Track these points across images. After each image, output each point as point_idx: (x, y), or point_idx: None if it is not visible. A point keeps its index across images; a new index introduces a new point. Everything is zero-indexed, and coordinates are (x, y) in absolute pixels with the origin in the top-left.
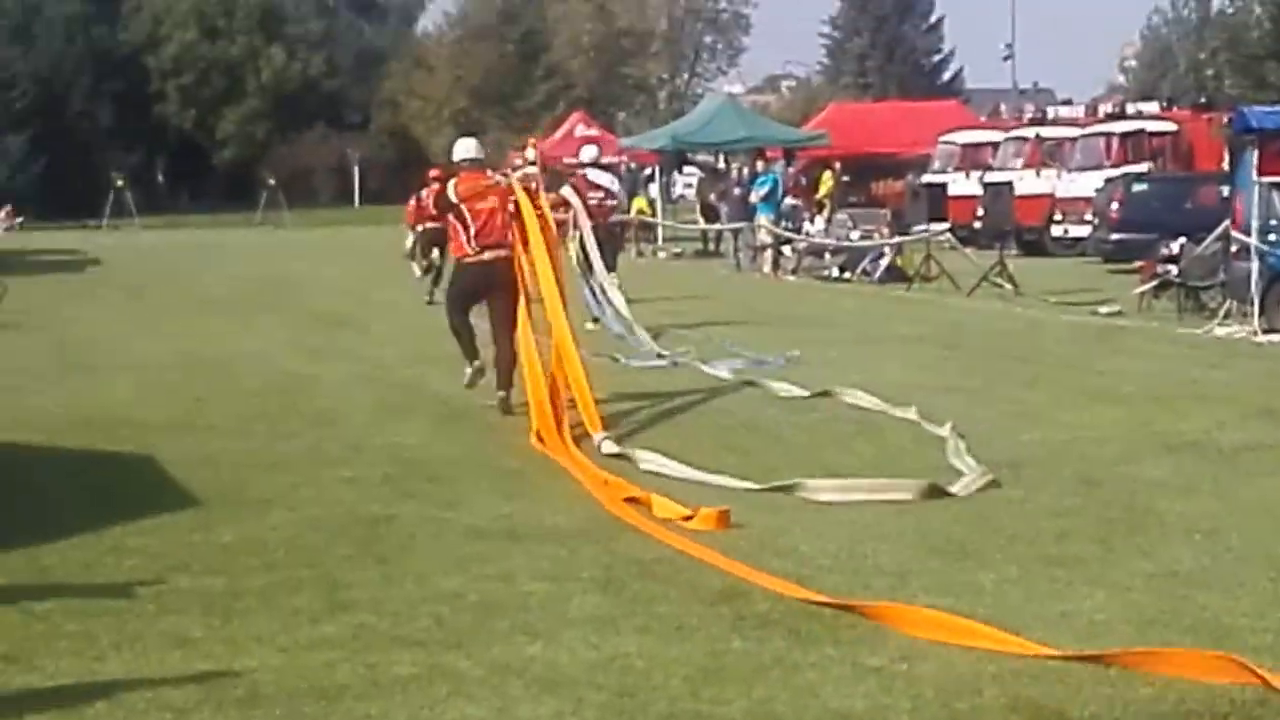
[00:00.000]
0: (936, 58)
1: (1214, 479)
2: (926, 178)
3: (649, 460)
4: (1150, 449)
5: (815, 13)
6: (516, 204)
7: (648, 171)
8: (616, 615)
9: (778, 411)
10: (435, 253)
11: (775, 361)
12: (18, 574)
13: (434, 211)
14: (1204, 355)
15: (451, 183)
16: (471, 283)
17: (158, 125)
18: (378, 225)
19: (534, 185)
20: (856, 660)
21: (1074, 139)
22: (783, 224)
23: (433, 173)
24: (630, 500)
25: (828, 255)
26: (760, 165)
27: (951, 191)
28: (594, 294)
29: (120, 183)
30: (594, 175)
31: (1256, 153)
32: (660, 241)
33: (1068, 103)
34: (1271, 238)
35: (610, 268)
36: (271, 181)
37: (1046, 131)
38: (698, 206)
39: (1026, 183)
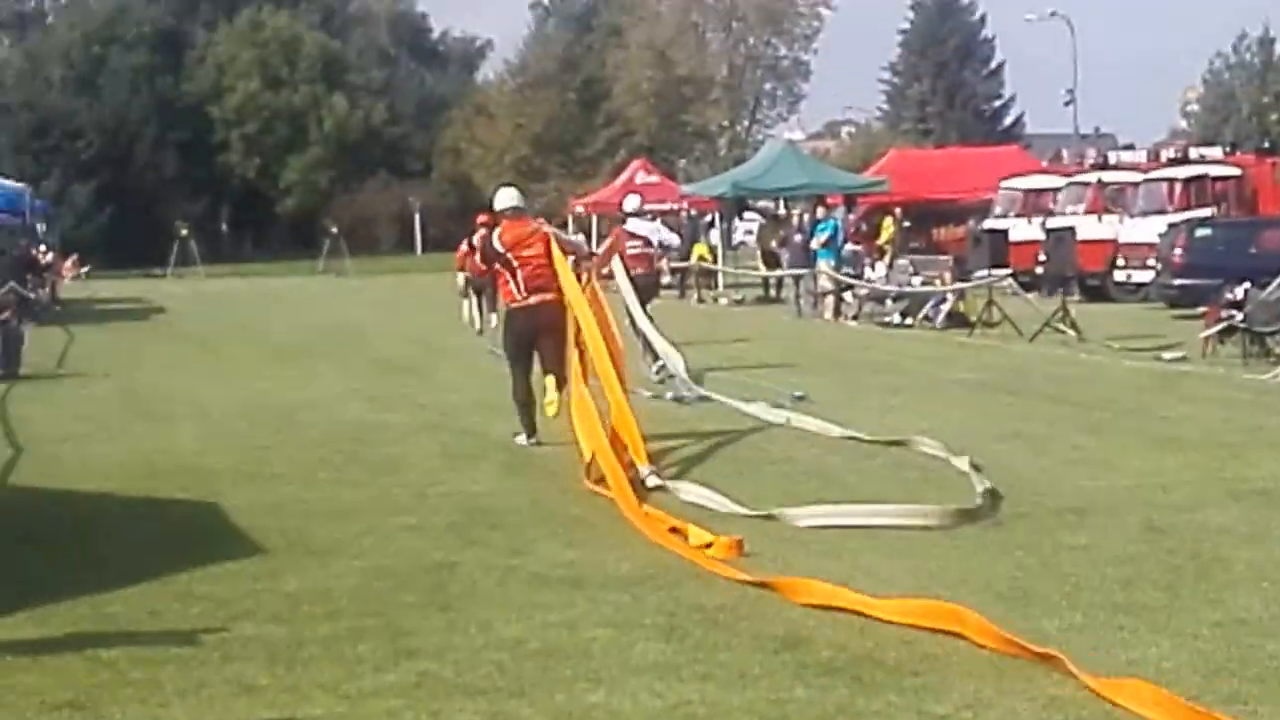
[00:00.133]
0: (997, 103)
1: None
2: (988, 223)
3: (689, 492)
4: (1216, 496)
5: (875, 59)
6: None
7: (708, 218)
8: (679, 662)
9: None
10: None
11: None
12: (84, 621)
13: (481, 263)
14: (1270, 401)
15: (495, 232)
16: (522, 326)
17: (221, 174)
18: (440, 272)
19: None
20: (921, 708)
21: (1137, 184)
22: (844, 270)
23: (480, 219)
24: (672, 530)
25: (889, 301)
26: (821, 211)
27: (1013, 237)
28: (639, 337)
29: (185, 231)
30: (633, 225)
31: None
32: (721, 288)
33: (1130, 148)
34: None
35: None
36: (334, 229)
37: (1109, 177)
38: (759, 253)
39: (1089, 228)
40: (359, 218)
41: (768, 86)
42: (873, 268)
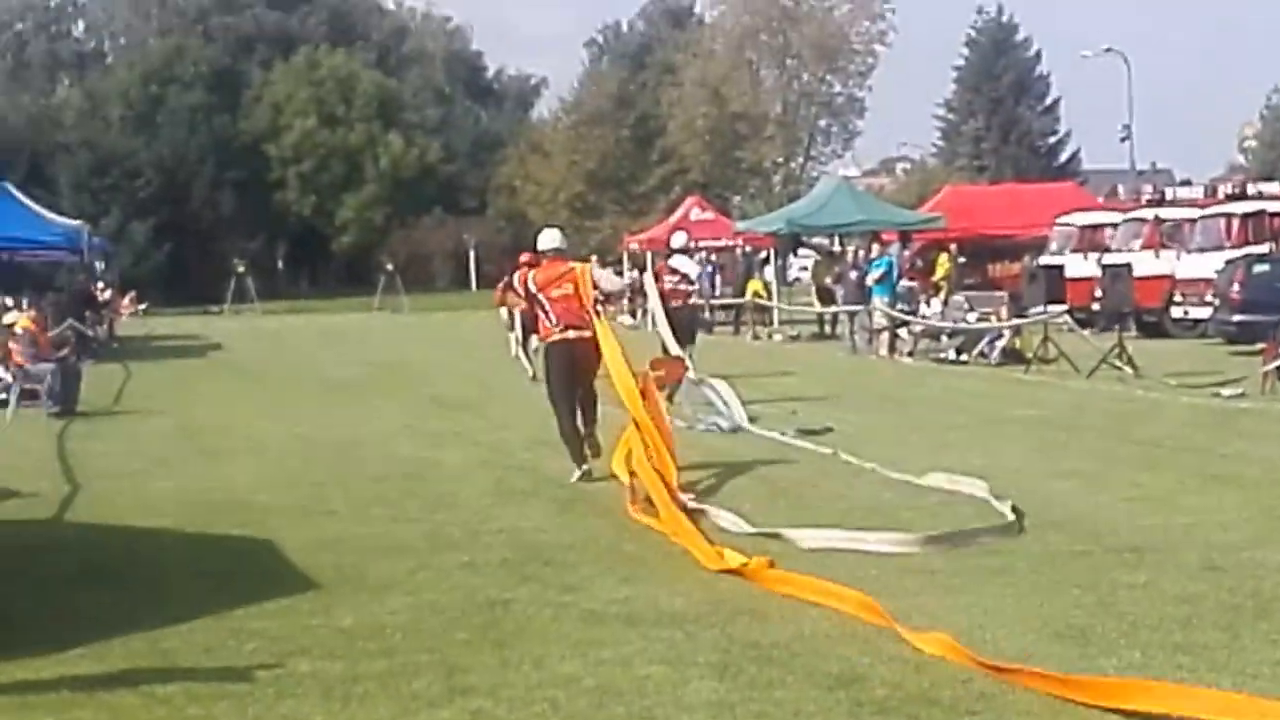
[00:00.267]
0: (1053, 139)
1: None
2: (1044, 259)
3: (726, 518)
4: (1276, 533)
5: (930, 95)
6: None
7: (763, 255)
8: (734, 700)
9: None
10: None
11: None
12: (140, 657)
13: (525, 303)
14: None
15: (532, 273)
16: (559, 361)
17: (278, 212)
18: (494, 309)
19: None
20: None
21: (1194, 220)
22: (899, 306)
23: (523, 258)
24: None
25: (944, 338)
26: (876, 248)
27: (1069, 273)
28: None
29: (241, 269)
30: (676, 261)
31: None
32: (776, 324)
33: (1187, 183)
34: None
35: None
36: (389, 266)
37: (1165, 212)
38: (813, 289)
39: (1145, 264)
40: (414, 255)
41: (822, 123)
42: (928, 304)
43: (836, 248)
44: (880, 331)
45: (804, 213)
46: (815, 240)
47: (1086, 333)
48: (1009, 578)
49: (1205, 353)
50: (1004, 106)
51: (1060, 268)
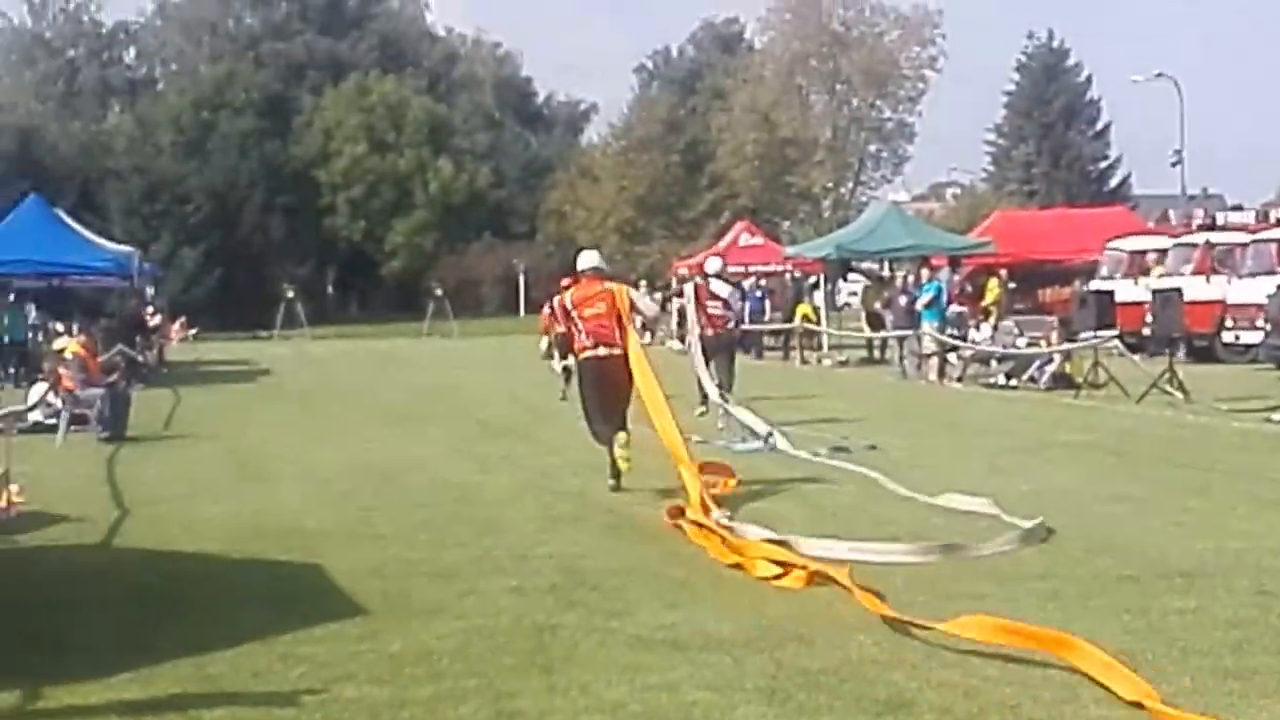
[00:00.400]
0: (1104, 164)
1: None
2: (1094, 284)
3: (755, 533)
4: None
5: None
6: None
7: (812, 280)
8: None
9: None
10: (562, 358)
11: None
12: (187, 682)
13: (561, 323)
14: None
15: (569, 292)
16: (591, 376)
17: (328, 237)
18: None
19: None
20: None
21: (1245, 244)
22: (948, 331)
23: (564, 282)
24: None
25: (994, 363)
26: (925, 273)
27: (1120, 298)
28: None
29: (291, 294)
30: (715, 286)
31: None
32: (825, 349)
33: (1238, 208)
34: None
35: (726, 380)
36: (439, 291)
37: (1216, 237)
38: (863, 314)
39: (1196, 289)
40: (464, 280)
41: (872, 148)
42: (977, 329)
43: (886, 273)
44: (929, 356)
45: (853, 238)
46: (864, 265)
47: (1137, 358)
48: (1059, 602)
49: (1256, 378)
50: (1054, 131)
51: (1110, 293)
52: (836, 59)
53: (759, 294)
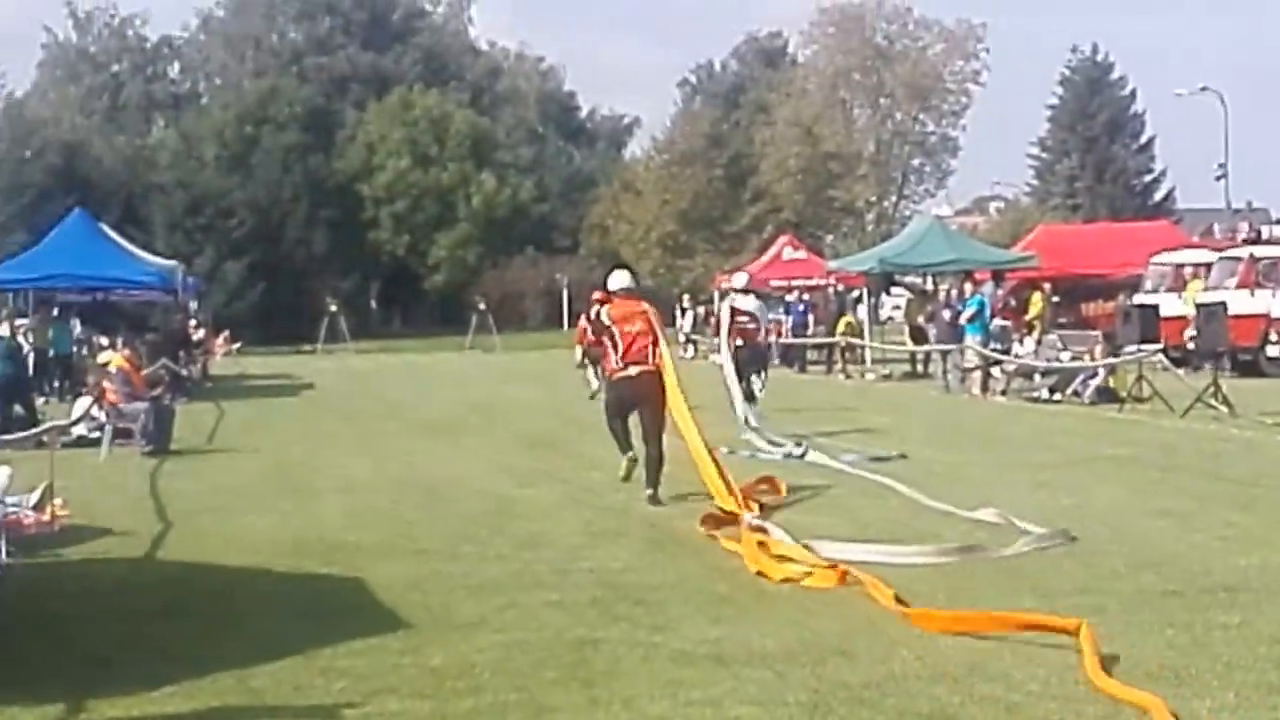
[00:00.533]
0: (1148, 178)
1: None
2: (1138, 298)
3: (783, 535)
4: None
5: (1024, 134)
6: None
7: (855, 294)
8: None
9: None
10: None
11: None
12: (229, 694)
13: (592, 336)
14: None
15: (606, 308)
16: (622, 394)
17: (371, 251)
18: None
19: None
20: None
21: None
22: (992, 345)
23: (596, 295)
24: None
25: (1038, 377)
26: (968, 287)
27: (1164, 312)
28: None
29: (334, 308)
30: (740, 300)
31: None
32: (868, 363)
33: None
34: None
35: (752, 383)
36: (482, 305)
37: (1261, 251)
38: (906, 328)
39: (1241, 303)
40: (507, 294)
41: (915, 162)
42: (1021, 343)
43: (929, 287)
44: (973, 370)
45: (896, 252)
46: (908, 279)
47: (1181, 372)
48: (1101, 617)
49: None
50: (1098, 145)
51: (1155, 307)
52: (880, 73)
53: (801, 308)
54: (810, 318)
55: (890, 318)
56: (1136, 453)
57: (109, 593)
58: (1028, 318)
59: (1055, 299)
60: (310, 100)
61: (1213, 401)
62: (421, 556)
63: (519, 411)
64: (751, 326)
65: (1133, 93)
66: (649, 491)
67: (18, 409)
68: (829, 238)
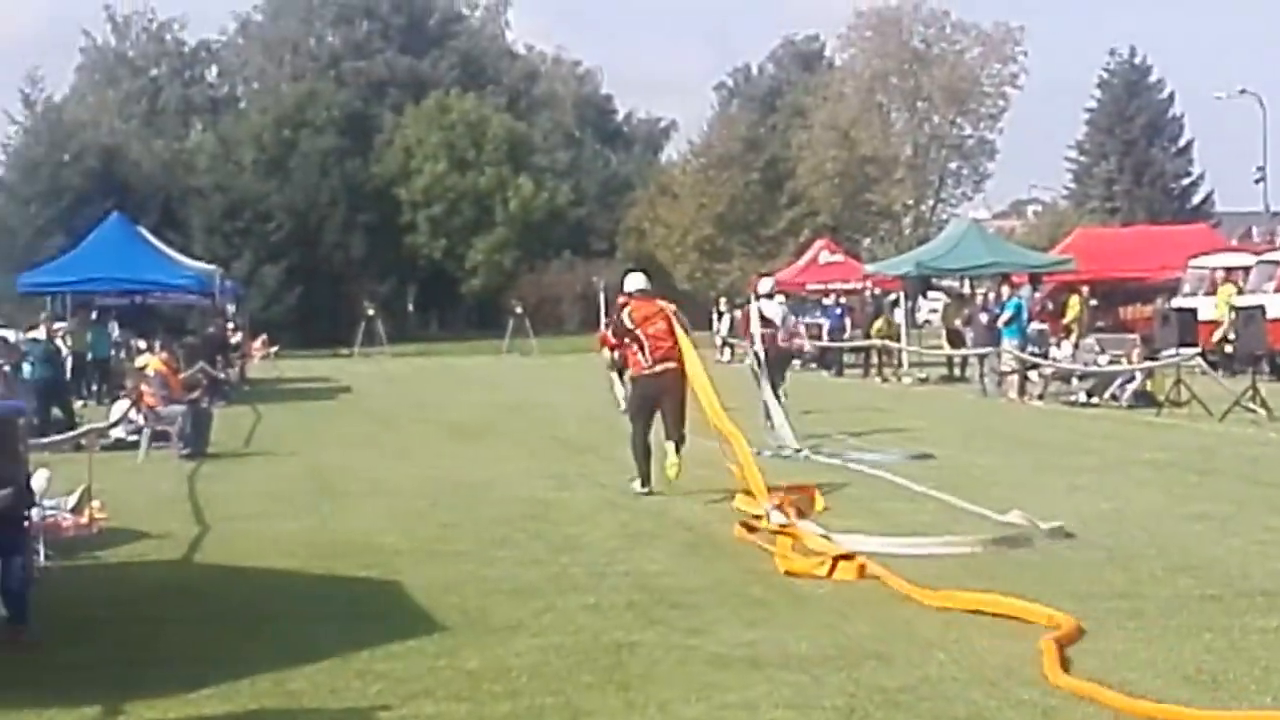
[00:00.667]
0: (1186, 181)
1: None
2: (1176, 302)
3: (810, 528)
4: None
5: (1062, 138)
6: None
7: (892, 297)
8: None
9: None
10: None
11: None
12: (266, 697)
13: (613, 337)
14: None
15: (626, 311)
16: (648, 391)
17: (408, 255)
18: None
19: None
20: None
21: None
22: (1029, 349)
23: (621, 300)
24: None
25: (1075, 380)
26: (1006, 290)
27: (1202, 316)
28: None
29: (372, 311)
30: (765, 305)
31: None
32: (905, 366)
33: None
34: None
35: (776, 384)
36: (519, 309)
37: None
38: (943, 332)
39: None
40: (544, 298)
41: (953, 166)
42: (1058, 346)
43: (966, 290)
44: (1010, 374)
45: (934, 255)
46: (945, 283)
47: (1219, 375)
48: (1139, 621)
49: None
50: (1136, 148)
51: (1193, 310)
52: (917, 76)
53: (839, 311)
54: (847, 321)
55: (927, 321)
56: (1174, 457)
57: (146, 596)
58: (1065, 321)
59: (1093, 302)
60: (348, 104)
61: (1251, 405)
62: (458, 559)
63: (555, 415)
64: (768, 331)
65: (1171, 95)
66: (642, 489)
67: (56, 412)
68: (866, 241)
